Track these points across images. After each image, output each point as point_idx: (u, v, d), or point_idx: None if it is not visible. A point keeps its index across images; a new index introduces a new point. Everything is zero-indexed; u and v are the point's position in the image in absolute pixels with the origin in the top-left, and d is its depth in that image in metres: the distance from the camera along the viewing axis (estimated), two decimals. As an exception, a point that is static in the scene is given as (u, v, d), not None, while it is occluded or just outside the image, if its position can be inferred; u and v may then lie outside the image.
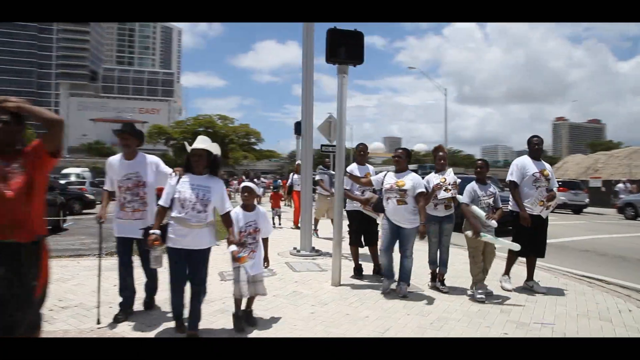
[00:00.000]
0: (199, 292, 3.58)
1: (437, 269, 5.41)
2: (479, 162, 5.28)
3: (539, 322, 4.26)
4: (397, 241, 5.04)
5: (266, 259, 4.09)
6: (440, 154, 5.42)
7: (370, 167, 6.22)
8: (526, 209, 5.26)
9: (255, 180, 14.02)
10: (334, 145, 15.47)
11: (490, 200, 5.05)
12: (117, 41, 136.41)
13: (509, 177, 5.44)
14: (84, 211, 16.92)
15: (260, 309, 4.55)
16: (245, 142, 49.87)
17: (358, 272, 5.98)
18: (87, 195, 18.43)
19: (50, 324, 4.04)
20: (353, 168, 5.95)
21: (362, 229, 5.86)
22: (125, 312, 4.17)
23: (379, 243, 5.40)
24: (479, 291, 4.95)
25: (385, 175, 5.16)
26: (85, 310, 4.41)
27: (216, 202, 3.52)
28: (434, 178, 5.33)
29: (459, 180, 5.35)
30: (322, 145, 17.20)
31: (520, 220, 5.25)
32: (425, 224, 4.90)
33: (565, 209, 20.99)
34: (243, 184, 3.95)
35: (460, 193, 5.29)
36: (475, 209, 4.97)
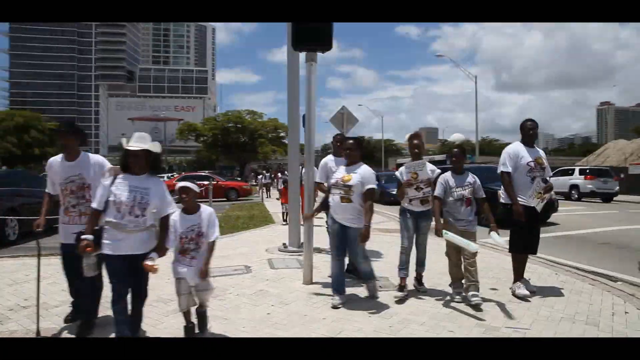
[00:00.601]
0: (139, 297, 3.30)
1: (405, 274, 4.68)
2: (455, 150, 4.68)
3: (512, 326, 3.84)
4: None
5: (203, 271, 3.38)
6: (415, 142, 4.78)
7: None
8: (521, 201, 4.68)
9: (285, 173, 13.70)
10: (348, 138, 15.22)
11: (466, 192, 4.49)
12: (153, 41, 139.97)
13: (500, 168, 4.83)
14: None
15: (216, 308, 4.37)
16: (274, 136, 49.99)
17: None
18: None
19: (1, 324, 4.01)
20: (328, 160, 5.48)
21: None
22: (77, 315, 3.97)
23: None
24: (456, 290, 4.56)
25: (337, 168, 4.63)
26: (44, 310, 4.35)
27: (156, 204, 3.22)
28: (404, 173, 4.72)
29: (435, 174, 4.72)
30: (334, 136, 16.84)
31: (513, 215, 4.70)
32: (369, 227, 4.27)
33: (593, 198, 19.80)
34: (180, 184, 3.45)
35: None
36: (450, 236, 4.31)
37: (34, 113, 41.59)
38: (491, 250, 7.34)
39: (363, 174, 4.33)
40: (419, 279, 4.95)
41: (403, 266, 4.65)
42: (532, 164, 4.73)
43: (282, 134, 49.60)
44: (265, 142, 48.21)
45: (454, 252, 4.52)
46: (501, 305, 4.39)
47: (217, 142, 47.37)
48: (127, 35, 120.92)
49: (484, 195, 4.62)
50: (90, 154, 3.96)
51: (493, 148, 69.84)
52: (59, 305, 4.48)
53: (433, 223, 4.58)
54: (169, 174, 36.06)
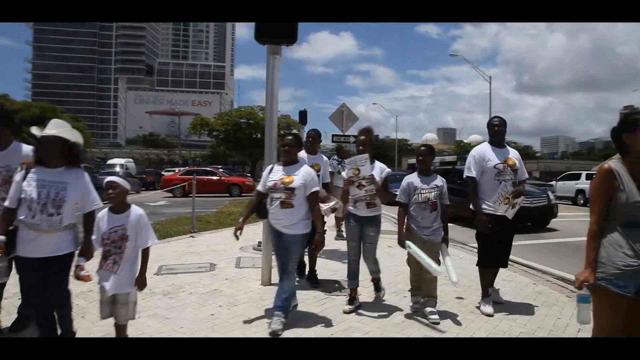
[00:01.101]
0: (59, 304, 2.94)
1: (354, 285, 4.29)
2: (422, 149, 4.25)
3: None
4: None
5: (140, 281, 3.04)
6: (361, 137, 4.33)
7: (324, 157, 5.57)
8: (488, 209, 4.25)
9: None
10: (348, 136, 14.95)
11: (432, 195, 4.07)
12: (172, 36, 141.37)
13: (465, 173, 4.42)
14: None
15: (163, 307, 4.24)
16: (286, 132, 49.77)
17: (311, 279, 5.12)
18: None
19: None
20: (300, 156, 5.24)
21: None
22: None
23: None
24: (414, 299, 4.30)
25: (270, 169, 4.01)
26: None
27: (76, 199, 2.91)
28: (346, 170, 4.32)
29: (384, 174, 4.26)
30: (333, 135, 16.65)
31: (476, 225, 4.31)
32: (322, 233, 3.94)
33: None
34: (108, 179, 3.06)
35: None
36: (413, 251, 3.98)
37: (50, 104, 42.30)
38: (471, 253, 7.04)
39: (306, 176, 3.83)
40: (375, 283, 4.59)
41: (352, 277, 4.30)
42: (500, 166, 4.28)
43: (294, 131, 49.44)
44: (279, 140, 48.02)
45: (415, 262, 4.12)
46: (458, 317, 4.13)
47: (229, 137, 47.35)
48: (147, 30, 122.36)
49: (448, 202, 4.22)
50: (23, 145, 3.48)
51: (510, 150, 68.45)
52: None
53: (382, 227, 4.31)
54: (172, 168, 36.21)
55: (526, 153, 71.01)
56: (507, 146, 4.50)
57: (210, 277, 5.31)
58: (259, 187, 3.99)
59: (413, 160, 38.98)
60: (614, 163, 2.37)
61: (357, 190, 4.16)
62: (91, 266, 2.96)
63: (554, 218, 11.12)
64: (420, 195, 4.10)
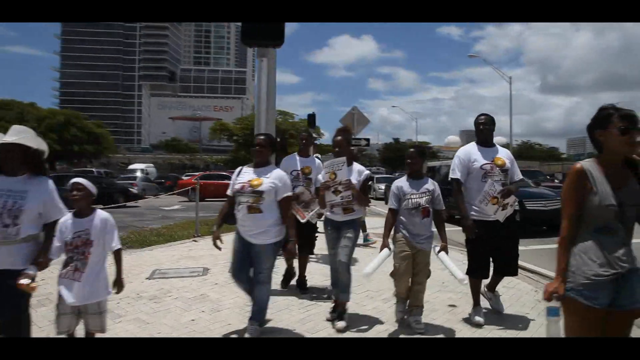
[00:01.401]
0: (13, 322, 2.67)
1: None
2: (410, 150, 3.91)
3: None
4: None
5: (118, 284, 2.98)
6: (338, 138, 4.04)
7: (317, 161, 5.43)
8: (477, 213, 3.97)
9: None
10: (359, 139, 14.82)
11: (423, 200, 3.75)
12: (194, 43, 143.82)
13: (450, 175, 4.16)
14: (127, 203, 18.21)
15: (145, 311, 4.22)
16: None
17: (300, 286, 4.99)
18: (130, 189, 19.91)
19: None
20: (291, 159, 5.01)
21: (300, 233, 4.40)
22: None
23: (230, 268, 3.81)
24: (399, 306, 4.01)
25: (239, 171, 3.76)
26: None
27: (38, 209, 2.73)
28: (322, 173, 4.09)
29: (362, 177, 3.99)
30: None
31: (463, 231, 4.07)
32: (295, 242, 3.68)
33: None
34: (73, 180, 2.92)
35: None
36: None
37: (74, 111, 43.41)
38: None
39: (277, 179, 3.54)
40: (340, 310, 3.93)
41: (335, 285, 4.08)
42: (487, 166, 4.01)
43: (314, 135, 49.45)
44: (294, 142, 48.31)
45: (403, 274, 3.78)
46: (446, 325, 3.96)
47: (249, 141, 47.86)
48: (170, 37, 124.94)
49: (443, 207, 3.90)
50: None
51: (534, 152, 67.12)
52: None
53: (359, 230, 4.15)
54: (193, 173, 36.71)
55: (551, 155, 69.33)
56: (497, 145, 4.25)
57: (200, 282, 5.28)
58: (228, 191, 3.73)
59: (434, 163, 38.32)
60: (587, 163, 2.19)
61: (333, 196, 3.93)
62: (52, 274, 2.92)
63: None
64: (409, 201, 3.77)
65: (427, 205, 3.77)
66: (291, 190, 3.77)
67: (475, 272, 4.11)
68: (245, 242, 3.57)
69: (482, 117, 4.21)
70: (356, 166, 4.09)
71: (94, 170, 30.82)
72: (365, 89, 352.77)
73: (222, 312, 4.25)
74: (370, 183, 8.40)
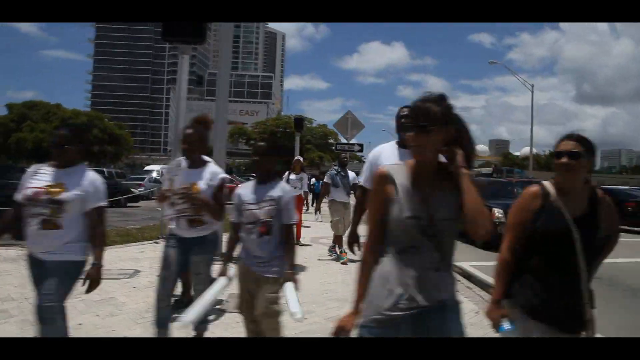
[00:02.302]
0: None
1: (163, 334, 3.17)
2: (259, 145, 2.92)
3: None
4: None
5: None
6: (188, 131, 3.27)
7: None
8: None
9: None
10: (352, 144, 14.59)
11: (262, 211, 2.79)
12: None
13: (357, 180, 3.83)
14: (128, 204, 18.56)
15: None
16: (322, 142, 50.06)
17: None
18: (132, 190, 20.25)
19: None
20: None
21: None
22: None
23: None
24: None
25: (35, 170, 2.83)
26: None
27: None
28: (164, 182, 3.40)
29: (217, 179, 3.21)
30: (336, 144, 16.38)
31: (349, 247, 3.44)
32: (100, 266, 2.83)
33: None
34: None
35: None
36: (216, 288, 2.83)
37: (97, 112, 44.89)
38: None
39: (88, 184, 2.74)
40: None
41: (161, 325, 3.16)
42: None
43: (330, 140, 49.67)
44: (311, 147, 48.37)
45: (245, 304, 2.90)
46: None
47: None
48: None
49: (292, 222, 2.90)
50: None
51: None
52: None
53: None
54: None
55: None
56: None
57: (120, 285, 5.19)
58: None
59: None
60: (394, 166, 1.84)
61: (170, 209, 3.22)
62: None
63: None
64: (245, 212, 2.85)
65: (267, 220, 2.80)
66: (103, 200, 2.85)
67: None
68: (37, 261, 2.80)
69: (406, 109, 2.96)
70: (210, 167, 3.28)
71: (104, 170, 31.64)
72: (394, 96, 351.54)
73: (116, 317, 4.14)
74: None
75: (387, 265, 1.66)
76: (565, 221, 1.84)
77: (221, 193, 3.26)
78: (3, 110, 43.53)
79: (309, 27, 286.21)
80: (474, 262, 7.39)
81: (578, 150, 1.87)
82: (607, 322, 4.86)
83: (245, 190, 2.94)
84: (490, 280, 6.34)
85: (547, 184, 1.96)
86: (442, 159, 1.68)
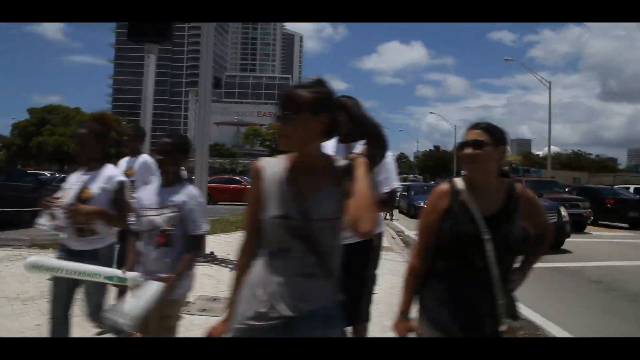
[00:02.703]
0: None
1: None
2: (163, 142, 2.53)
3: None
4: None
5: None
6: (81, 131, 2.81)
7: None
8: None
9: None
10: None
11: (160, 219, 2.43)
12: (241, 51, 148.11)
13: None
14: None
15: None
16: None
17: None
18: None
19: None
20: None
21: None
22: None
23: None
24: None
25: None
26: None
27: None
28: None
29: (112, 183, 2.73)
30: None
31: None
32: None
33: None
34: None
35: None
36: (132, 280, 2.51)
37: (114, 116, 45.62)
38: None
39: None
40: None
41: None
42: None
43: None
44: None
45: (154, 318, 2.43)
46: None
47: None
48: (216, 44, 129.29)
49: (199, 232, 2.51)
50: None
51: (585, 162, 63.32)
52: None
53: None
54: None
55: (604, 166, 65.12)
56: (359, 143, 3.48)
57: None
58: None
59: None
60: (272, 160, 1.58)
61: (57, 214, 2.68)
62: None
63: (568, 238, 9.74)
64: (143, 218, 2.48)
65: (166, 228, 2.43)
66: None
67: None
68: None
69: (344, 99, 2.55)
70: (106, 170, 2.79)
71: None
72: (413, 96, 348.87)
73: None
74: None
75: (257, 269, 1.47)
76: (474, 220, 1.61)
77: (121, 197, 2.77)
78: (26, 115, 44.80)
79: (327, 29, 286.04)
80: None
81: (482, 140, 1.66)
82: (604, 328, 4.58)
83: (147, 193, 2.55)
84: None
85: (458, 180, 1.76)
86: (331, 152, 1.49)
